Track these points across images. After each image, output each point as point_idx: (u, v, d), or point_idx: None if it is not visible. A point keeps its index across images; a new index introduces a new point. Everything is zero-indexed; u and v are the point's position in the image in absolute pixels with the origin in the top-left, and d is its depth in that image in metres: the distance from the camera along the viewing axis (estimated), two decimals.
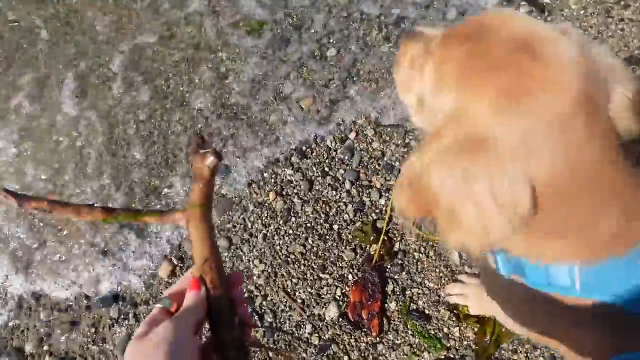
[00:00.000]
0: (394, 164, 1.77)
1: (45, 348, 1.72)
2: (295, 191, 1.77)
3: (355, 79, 1.97)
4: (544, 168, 0.57)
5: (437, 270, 1.60)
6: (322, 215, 1.72)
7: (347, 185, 1.75)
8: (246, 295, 1.63)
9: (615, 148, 0.63)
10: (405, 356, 1.51)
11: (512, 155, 0.56)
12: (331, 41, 2.08)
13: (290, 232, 1.71)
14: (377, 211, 1.71)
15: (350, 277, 1.62)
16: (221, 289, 0.56)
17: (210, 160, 0.56)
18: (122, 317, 1.71)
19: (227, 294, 0.56)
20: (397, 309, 1.57)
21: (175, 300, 0.56)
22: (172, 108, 1.99)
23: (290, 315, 1.60)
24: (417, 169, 0.63)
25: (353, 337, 1.54)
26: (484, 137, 0.57)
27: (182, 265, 1.75)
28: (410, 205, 0.67)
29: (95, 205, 0.60)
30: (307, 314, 1.58)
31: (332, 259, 1.65)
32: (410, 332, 1.54)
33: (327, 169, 1.79)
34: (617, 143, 0.64)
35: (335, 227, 1.70)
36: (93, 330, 1.72)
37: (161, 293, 1.72)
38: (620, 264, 0.68)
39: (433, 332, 1.53)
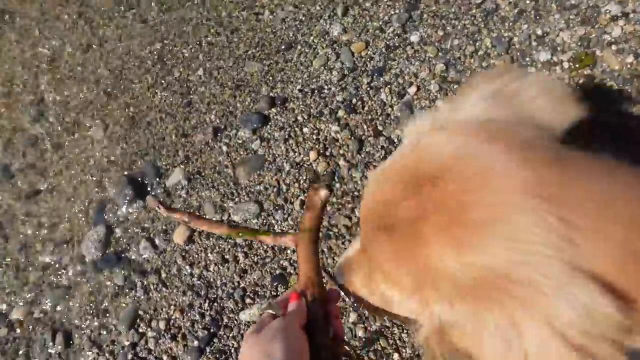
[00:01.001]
0: None
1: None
2: (341, 152, 1.47)
3: (417, 22, 1.63)
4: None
5: None
6: None
7: None
8: (278, 271, 1.36)
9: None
10: None
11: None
12: None
13: (334, 200, 1.42)
14: None
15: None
16: (320, 302, 0.63)
17: (323, 193, 0.69)
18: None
19: (324, 307, 0.63)
20: None
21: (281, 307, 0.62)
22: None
23: None
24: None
25: (405, 330, 1.28)
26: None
27: (200, 231, 1.47)
28: None
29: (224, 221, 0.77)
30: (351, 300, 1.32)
31: None
32: None
33: (379, 127, 1.48)
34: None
35: None
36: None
37: (175, 260, 1.44)
38: None
39: None
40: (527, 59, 1.50)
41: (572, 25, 1.54)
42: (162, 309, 1.39)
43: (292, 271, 1.36)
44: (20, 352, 1.42)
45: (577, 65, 1.49)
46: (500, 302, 0.44)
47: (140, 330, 1.38)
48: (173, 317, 1.37)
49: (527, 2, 1.61)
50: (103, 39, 1.97)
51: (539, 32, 1.55)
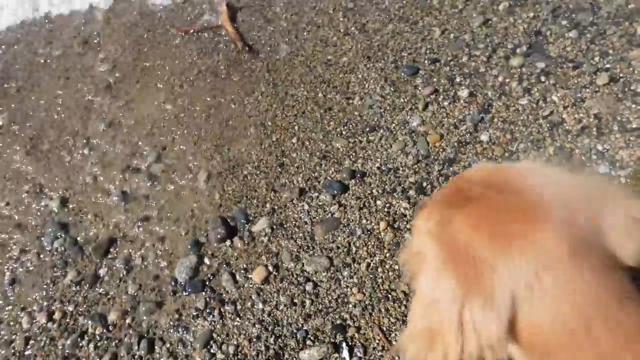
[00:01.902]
0: None
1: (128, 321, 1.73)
2: (408, 226, 1.68)
3: (488, 124, 1.87)
4: (535, 313, 0.61)
5: None
6: None
7: None
8: (339, 321, 1.55)
9: (619, 283, 0.58)
10: None
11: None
12: (466, 81, 2.02)
13: (396, 267, 1.61)
14: None
15: None
16: None
17: None
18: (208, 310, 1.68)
19: None
20: None
21: None
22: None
23: (382, 357, 1.48)
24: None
25: None
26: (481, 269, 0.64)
27: (276, 273, 1.70)
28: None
29: None
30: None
31: None
32: None
33: None
34: (624, 275, 0.58)
35: None
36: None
37: (251, 296, 1.67)
38: None
39: None
40: (587, 170, 1.68)
41: (631, 146, 1.71)
42: (233, 336, 1.60)
43: (351, 323, 1.54)
44: (110, 350, 1.67)
45: (634, 182, 1.64)
46: (448, 266, 0.68)
47: (212, 350, 1.59)
48: (242, 345, 1.57)
49: (591, 120, 1.81)
50: (222, 101, 2.39)
51: (600, 147, 1.73)
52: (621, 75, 1.92)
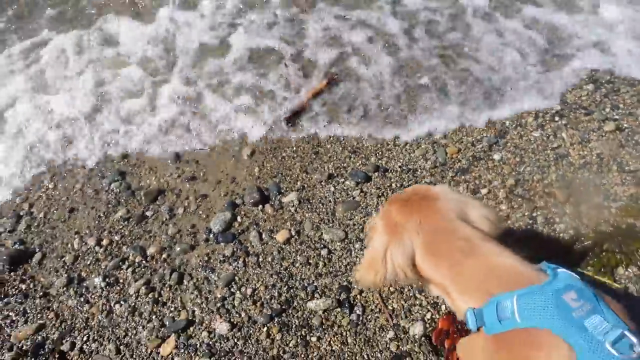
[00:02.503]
0: (513, 227, 1.86)
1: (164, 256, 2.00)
2: None
3: (501, 147, 2.14)
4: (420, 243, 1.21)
5: None
6: None
7: None
8: (345, 283, 1.78)
9: (474, 233, 1.17)
10: None
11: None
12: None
13: None
14: None
15: (443, 307, 1.69)
16: None
17: None
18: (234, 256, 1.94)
19: None
20: None
21: None
22: None
23: (377, 317, 1.70)
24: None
25: (428, 359, 1.59)
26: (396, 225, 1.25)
27: (297, 237, 1.96)
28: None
29: None
30: (393, 322, 1.68)
31: None
32: None
33: None
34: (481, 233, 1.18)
35: None
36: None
37: (272, 252, 1.92)
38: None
39: None
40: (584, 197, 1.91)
41: (626, 184, 1.94)
42: (252, 281, 1.85)
43: (355, 287, 1.77)
44: (145, 276, 1.93)
45: (623, 214, 1.86)
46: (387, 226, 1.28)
47: (232, 290, 1.83)
48: (258, 289, 1.82)
49: (594, 157, 2.05)
50: None
51: (597, 181, 1.97)
52: (627, 126, 2.18)
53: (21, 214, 2.25)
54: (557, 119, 2.26)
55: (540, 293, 0.97)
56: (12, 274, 2.01)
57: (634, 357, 0.84)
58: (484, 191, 1.99)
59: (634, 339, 0.86)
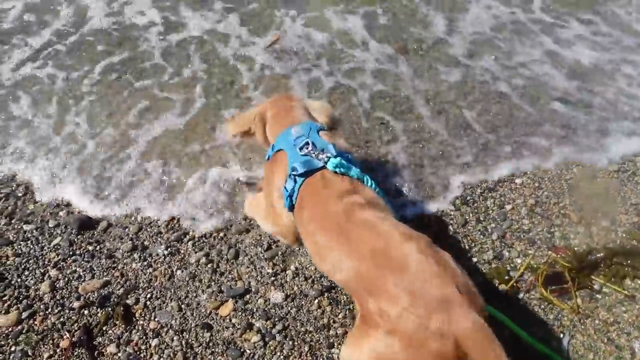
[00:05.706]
0: (535, 239, 2.13)
1: None
2: (452, 222, 2.20)
3: (522, 174, 2.46)
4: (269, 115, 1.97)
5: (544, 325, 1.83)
6: (467, 247, 2.10)
7: (494, 237, 2.14)
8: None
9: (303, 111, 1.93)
10: None
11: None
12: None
13: None
14: (512, 265, 2.04)
15: None
16: None
17: None
18: None
19: None
20: None
21: None
22: None
23: None
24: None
25: None
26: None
27: None
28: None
29: None
30: None
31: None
32: None
33: (481, 218, 2.22)
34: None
35: (474, 259, 2.06)
36: None
37: None
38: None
39: None
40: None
41: (629, 213, 2.25)
42: (296, 259, 2.06)
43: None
44: (204, 249, 2.12)
45: (627, 236, 2.15)
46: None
47: (275, 262, 2.04)
48: (303, 266, 2.02)
49: (601, 191, 2.37)
50: None
51: (604, 209, 2.27)
52: (627, 168, 2.53)
53: None
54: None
55: (287, 133, 1.74)
56: (79, 237, 2.19)
57: (309, 151, 1.61)
58: (508, 207, 2.28)
59: (310, 142, 1.65)
